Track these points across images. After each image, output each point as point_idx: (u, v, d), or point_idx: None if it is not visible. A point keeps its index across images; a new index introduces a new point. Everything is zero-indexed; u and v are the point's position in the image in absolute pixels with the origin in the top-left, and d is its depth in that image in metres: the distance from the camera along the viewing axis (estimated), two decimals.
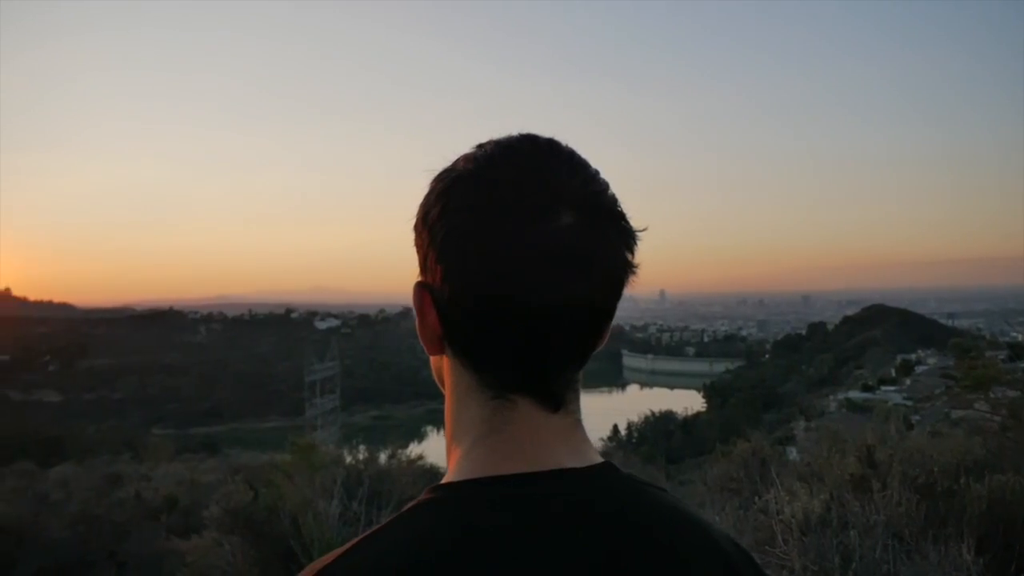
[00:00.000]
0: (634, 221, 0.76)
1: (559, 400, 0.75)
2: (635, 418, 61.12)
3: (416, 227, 0.76)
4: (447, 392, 0.80)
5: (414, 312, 0.78)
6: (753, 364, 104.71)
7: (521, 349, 0.72)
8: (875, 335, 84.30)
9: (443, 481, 0.74)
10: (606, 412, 65.06)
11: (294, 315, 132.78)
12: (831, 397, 52.14)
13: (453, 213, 0.72)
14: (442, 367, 0.80)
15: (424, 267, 0.75)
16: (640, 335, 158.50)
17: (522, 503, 0.69)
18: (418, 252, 0.76)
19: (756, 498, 4.71)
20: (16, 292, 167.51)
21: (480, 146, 0.76)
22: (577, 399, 0.79)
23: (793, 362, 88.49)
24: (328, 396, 77.52)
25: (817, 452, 8.12)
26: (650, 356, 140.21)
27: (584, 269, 0.70)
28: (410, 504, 0.72)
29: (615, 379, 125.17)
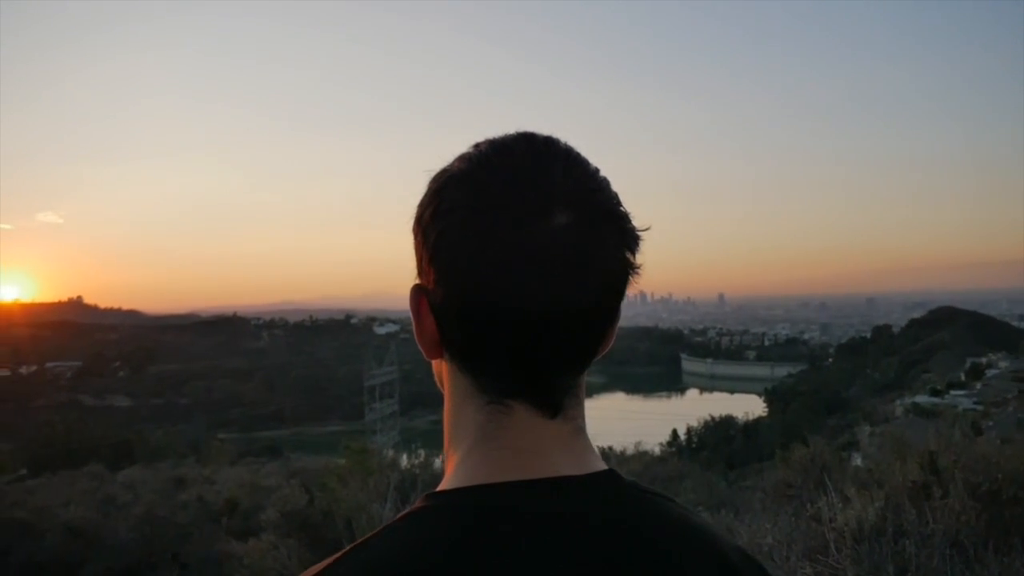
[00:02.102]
0: (637, 221, 0.74)
1: (557, 406, 0.73)
2: (695, 423, 60.36)
3: (413, 229, 0.74)
4: (445, 397, 0.78)
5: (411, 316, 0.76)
6: (816, 368, 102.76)
7: (516, 354, 0.69)
8: (943, 338, 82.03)
9: (439, 488, 0.72)
10: (665, 417, 64.48)
11: (354, 320, 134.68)
12: (897, 402, 50.87)
13: (445, 215, 0.70)
14: (442, 371, 0.79)
15: (420, 270, 0.73)
16: (699, 339, 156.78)
17: (516, 512, 0.67)
18: (415, 254, 0.74)
19: (808, 505, 4.60)
20: (87, 300, 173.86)
21: (476, 145, 0.74)
22: (578, 405, 0.76)
23: (857, 366, 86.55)
24: (387, 400, 78.16)
25: (880, 458, 7.92)
26: (710, 360, 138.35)
27: (580, 271, 0.68)
28: (403, 512, 0.70)
29: (674, 384, 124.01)
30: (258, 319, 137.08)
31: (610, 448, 15.86)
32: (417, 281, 0.74)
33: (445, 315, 0.72)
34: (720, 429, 58.95)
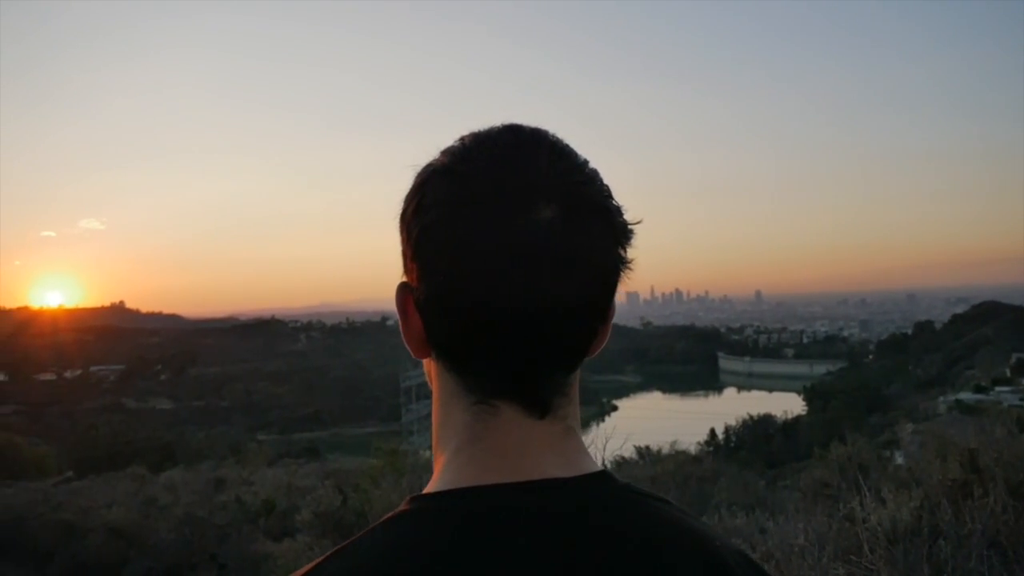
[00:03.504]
0: (629, 214, 0.71)
1: (545, 406, 0.70)
2: (733, 422, 59.83)
3: (398, 225, 0.72)
4: (433, 396, 0.76)
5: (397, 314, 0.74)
6: (856, 365, 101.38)
7: (500, 353, 0.67)
8: (987, 333, 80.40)
9: (424, 491, 0.71)
10: (703, 416, 63.92)
11: (390, 322, 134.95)
12: (940, 399, 50.00)
13: (426, 210, 0.68)
14: (431, 371, 0.77)
15: (405, 267, 0.72)
16: (736, 337, 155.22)
17: (500, 516, 0.65)
18: (401, 251, 0.72)
19: (840, 505, 4.53)
20: (129, 305, 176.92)
21: (461, 138, 0.72)
22: (569, 404, 0.73)
23: (899, 363, 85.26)
24: (423, 401, 78.53)
25: (921, 456, 7.80)
26: (747, 359, 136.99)
27: (565, 266, 0.66)
28: (387, 515, 0.69)
29: (711, 382, 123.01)
30: (295, 322, 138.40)
31: (647, 447, 15.79)
32: (403, 278, 0.73)
33: (429, 313, 0.70)
34: (759, 428, 58.32)
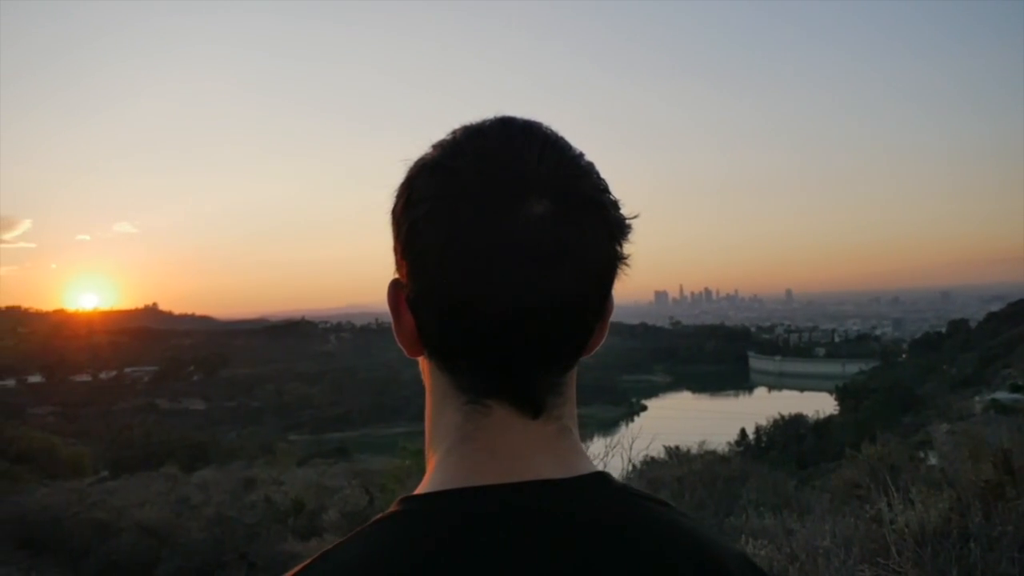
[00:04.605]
0: (626, 209, 0.69)
1: (538, 406, 0.68)
2: (763, 422, 59.30)
3: (390, 220, 0.71)
4: (426, 396, 0.75)
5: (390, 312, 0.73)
6: (889, 364, 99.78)
7: (490, 351, 0.66)
8: None
9: (415, 492, 0.69)
10: (733, 416, 63.41)
11: None
12: (976, 399, 49.13)
13: (414, 205, 0.66)
14: (424, 370, 0.75)
15: (396, 263, 0.70)
16: (767, 336, 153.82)
17: (490, 517, 0.64)
18: (392, 247, 0.71)
19: (867, 506, 4.46)
20: (162, 307, 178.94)
21: (453, 131, 0.70)
22: (565, 404, 0.71)
23: (933, 362, 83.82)
24: None
25: (955, 457, 7.65)
26: (778, 358, 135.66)
27: (556, 263, 0.63)
28: (377, 516, 0.68)
29: (741, 382, 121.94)
30: (325, 323, 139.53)
31: (676, 448, 15.69)
32: (395, 276, 0.71)
33: (420, 311, 0.68)
34: (790, 428, 57.66)
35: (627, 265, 0.70)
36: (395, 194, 0.70)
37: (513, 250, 0.63)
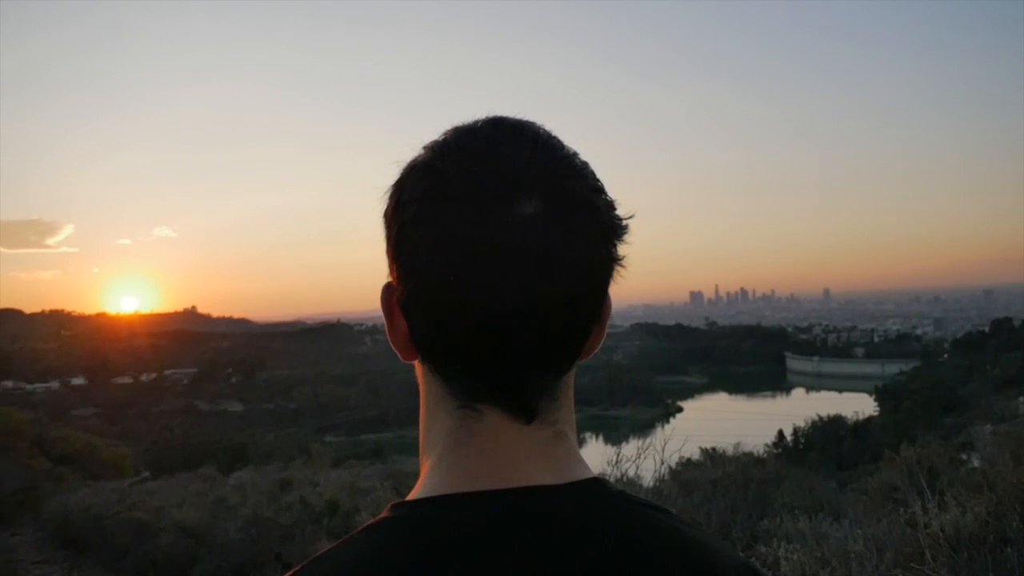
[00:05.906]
0: (621, 209, 0.68)
1: (532, 410, 0.67)
2: (801, 423, 58.60)
3: (383, 223, 0.70)
4: (421, 400, 0.74)
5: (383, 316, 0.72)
6: (930, 365, 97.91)
7: (480, 356, 0.65)
8: None
9: (408, 498, 0.68)
10: (770, 417, 62.66)
11: None
12: (1020, 399, 48.09)
13: (404, 207, 0.66)
14: (418, 374, 0.75)
15: (389, 266, 0.69)
16: (804, 336, 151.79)
17: (481, 524, 0.63)
18: (385, 249, 0.70)
19: (902, 509, 4.37)
20: (201, 310, 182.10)
21: (444, 133, 0.69)
22: (559, 408, 0.70)
23: (976, 362, 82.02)
24: None
25: (997, 459, 7.48)
26: (816, 358, 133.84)
27: (547, 265, 0.62)
28: (367, 522, 0.67)
29: (779, 383, 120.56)
30: (361, 325, 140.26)
31: (713, 449, 15.58)
32: (388, 279, 0.70)
33: (411, 314, 0.67)
34: (828, 429, 56.81)
35: (622, 267, 0.68)
36: (386, 196, 0.69)
37: (502, 251, 0.61)
